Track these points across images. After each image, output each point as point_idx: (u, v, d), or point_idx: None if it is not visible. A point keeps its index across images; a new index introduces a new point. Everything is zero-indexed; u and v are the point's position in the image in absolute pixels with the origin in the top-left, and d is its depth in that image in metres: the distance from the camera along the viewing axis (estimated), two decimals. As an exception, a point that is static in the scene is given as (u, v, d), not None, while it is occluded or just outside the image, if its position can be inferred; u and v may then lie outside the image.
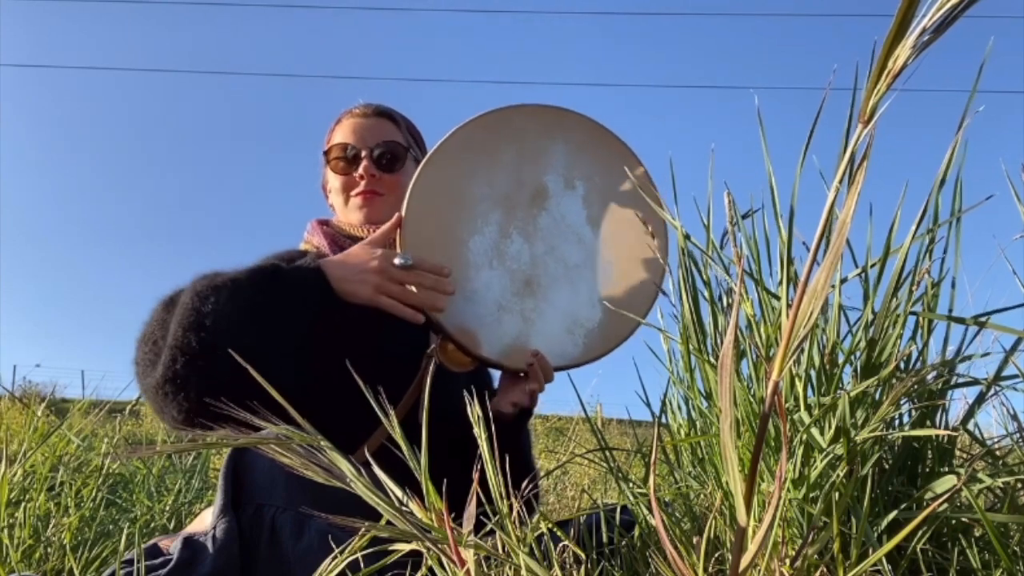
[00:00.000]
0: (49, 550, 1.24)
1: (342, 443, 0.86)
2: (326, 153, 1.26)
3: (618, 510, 0.93)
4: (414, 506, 0.59)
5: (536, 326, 1.14)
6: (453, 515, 0.58)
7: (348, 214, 1.25)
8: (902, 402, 0.73)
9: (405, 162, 1.25)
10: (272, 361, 0.94)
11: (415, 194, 1.09)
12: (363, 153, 1.22)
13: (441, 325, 1.08)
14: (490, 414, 0.69)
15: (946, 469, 0.72)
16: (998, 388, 0.73)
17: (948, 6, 0.28)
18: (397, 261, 1.02)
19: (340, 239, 1.24)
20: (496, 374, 1.30)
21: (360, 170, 1.21)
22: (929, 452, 0.74)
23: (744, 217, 0.87)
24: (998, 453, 0.77)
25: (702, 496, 0.85)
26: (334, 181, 1.25)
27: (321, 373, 1.02)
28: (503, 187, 1.14)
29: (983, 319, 0.71)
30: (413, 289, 1.03)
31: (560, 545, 0.77)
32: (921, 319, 0.76)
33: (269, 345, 0.95)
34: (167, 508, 1.72)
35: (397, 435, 0.63)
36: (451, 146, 1.12)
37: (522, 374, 1.13)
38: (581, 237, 1.17)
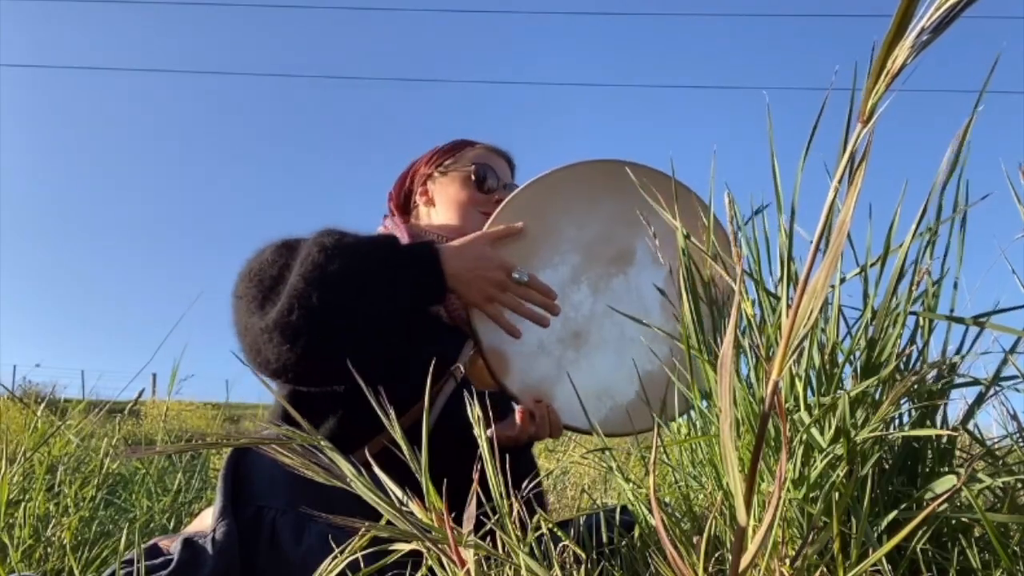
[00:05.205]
0: (49, 550, 1.24)
1: (373, 433, 0.91)
2: (477, 168, 1.31)
3: (618, 510, 0.93)
4: (414, 506, 0.59)
5: (566, 378, 1.08)
6: (454, 514, 0.58)
7: (464, 223, 1.29)
8: (902, 402, 0.73)
9: None
10: (375, 333, 0.97)
11: (511, 205, 1.10)
12: (501, 184, 1.33)
13: (480, 341, 1.07)
14: (490, 415, 0.70)
15: (946, 469, 0.72)
16: (998, 388, 0.73)
17: (947, 6, 0.28)
18: (515, 276, 1.05)
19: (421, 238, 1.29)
20: None
21: (497, 196, 1.28)
22: (929, 452, 0.74)
23: (756, 213, 0.86)
24: (998, 453, 0.77)
25: (702, 496, 0.85)
26: (463, 192, 1.30)
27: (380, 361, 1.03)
28: (591, 235, 1.11)
29: (983, 319, 0.71)
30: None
31: (560, 545, 0.77)
32: (921, 319, 0.76)
33: (379, 317, 0.98)
34: (167, 508, 1.72)
35: (397, 435, 0.63)
36: (559, 177, 1.11)
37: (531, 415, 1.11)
38: (648, 314, 1.11)
